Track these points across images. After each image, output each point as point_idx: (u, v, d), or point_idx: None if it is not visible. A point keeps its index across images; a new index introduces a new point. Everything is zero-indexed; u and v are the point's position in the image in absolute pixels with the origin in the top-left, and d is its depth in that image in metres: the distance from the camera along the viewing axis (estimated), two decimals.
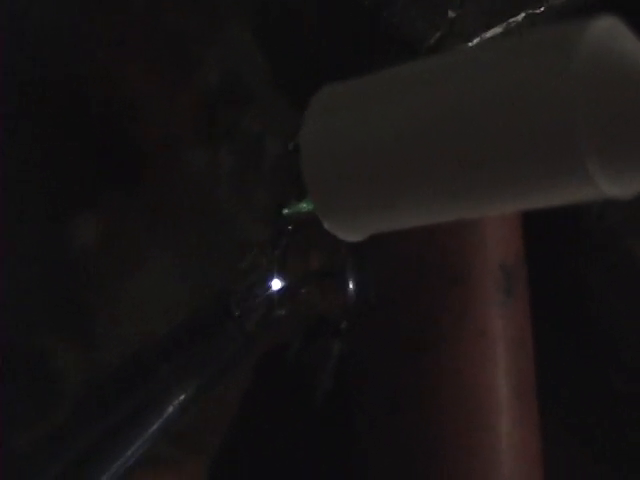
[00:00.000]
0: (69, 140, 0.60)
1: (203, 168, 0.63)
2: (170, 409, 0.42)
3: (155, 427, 0.41)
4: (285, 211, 0.35)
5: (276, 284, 0.43)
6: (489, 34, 0.41)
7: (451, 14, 0.41)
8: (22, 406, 0.52)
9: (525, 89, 0.26)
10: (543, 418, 0.40)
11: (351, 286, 0.41)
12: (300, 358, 0.48)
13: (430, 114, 0.28)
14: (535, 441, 0.39)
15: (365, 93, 0.31)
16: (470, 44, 0.41)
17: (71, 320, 0.59)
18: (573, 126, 0.25)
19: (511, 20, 0.41)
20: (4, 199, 0.55)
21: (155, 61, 0.63)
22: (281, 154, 0.34)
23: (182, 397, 0.42)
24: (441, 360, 0.38)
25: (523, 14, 0.42)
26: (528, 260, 0.39)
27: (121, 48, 0.62)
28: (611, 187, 0.25)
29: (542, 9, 0.42)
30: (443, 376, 0.37)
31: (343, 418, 0.44)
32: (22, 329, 0.56)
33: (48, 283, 0.58)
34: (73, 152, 0.60)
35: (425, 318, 0.38)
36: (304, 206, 0.34)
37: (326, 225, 0.32)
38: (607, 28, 0.26)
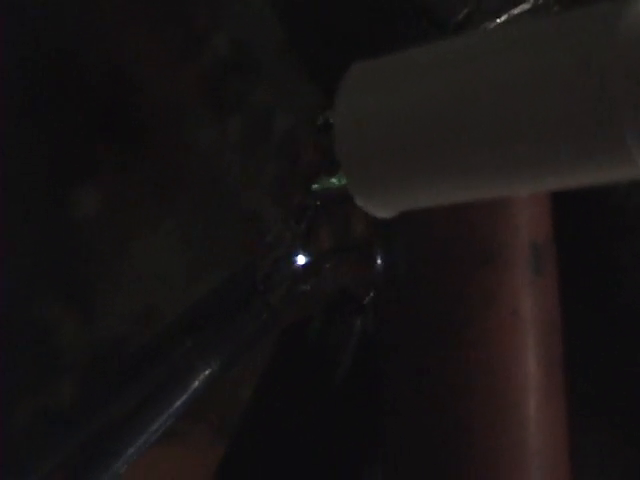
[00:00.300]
0: (73, 111, 0.59)
1: (210, 140, 0.63)
2: (195, 384, 0.42)
3: (180, 402, 0.41)
4: (315, 186, 0.35)
5: (301, 259, 0.43)
6: (517, 10, 0.41)
7: None
8: (24, 378, 0.52)
9: (566, 65, 0.26)
10: (571, 397, 0.40)
11: (379, 262, 0.41)
12: (322, 334, 0.48)
13: (466, 92, 0.28)
14: (562, 419, 0.39)
15: (397, 71, 0.31)
16: (498, 20, 0.41)
17: (73, 291, 0.59)
18: (615, 102, 0.25)
19: None
20: (5, 170, 0.55)
21: (161, 30, 0.63)
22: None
23: (207, 372, 0.42)
24: (470, 339, 0.37)
25: None
26: (557, 239, 0.39)
27: (125, 16, 0.62)
28: None
29: None
30: (472, 355, 0.37)
31: (364, 395, 0.44)
32: (24, 300, 0.56)
33: (50, 254, 0.58)
34: (77, 123, 0.59)
35: (455, 297, 0.38)
36: (334, 182, 0.34)
37: (358, 201, 0.32)
38: None
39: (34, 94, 0.58)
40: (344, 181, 0.31)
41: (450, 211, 0.31)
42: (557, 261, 0.39)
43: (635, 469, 0.50)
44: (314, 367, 0.48)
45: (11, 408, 0.49)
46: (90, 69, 0.61)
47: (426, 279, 0.38)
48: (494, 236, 0.37)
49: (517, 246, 0.37)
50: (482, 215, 0.37)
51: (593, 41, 0.26)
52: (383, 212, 0.32)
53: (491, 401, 0.37)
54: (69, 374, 0.57)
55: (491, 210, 0.37)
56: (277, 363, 0.50)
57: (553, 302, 0.39)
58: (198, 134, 0.64)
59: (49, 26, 0.60)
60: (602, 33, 0.25)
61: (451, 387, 0.38)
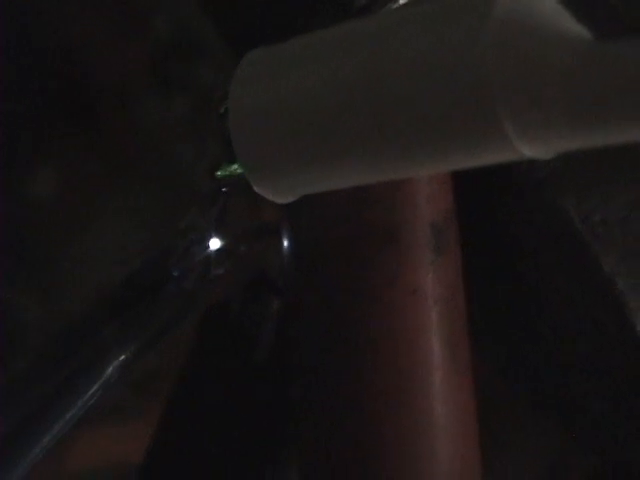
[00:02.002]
0: (26, 93, 0.59)
1: (156, 119, 0.63)
2: (109, 370, 0.42)
3: (95, 387, 0.42)
4: (218, 173, 0.35)
5: (214, 243, 0.44)
6: None
7: None
8: None
9: (441, 52, 0.26)
10: (478, 370, 0.41)
11: (285, 244, 0.42)
12: (241, 315, 0.49)
13: (352, 77, 0.29)
14: (467, 393, 0.40)
15: (291, 56, 0.31)
16: (401, 1, 0.41)
17: (30, 271, 0.60)
18: (488, 88, 0.25)
19: None
20: None
21: (105, 10, 0.63)
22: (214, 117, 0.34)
23: (122, 357, 0.42)
24: (374, 318, 0.38)
25: None
26: (459, 217, 0.40)
27: (71, 2, 0.62)
28: (528, 148, 0.26)
29: None
30: (376, 334, 0.38)
31: (282, 374, 0.45)
32: None
33: (5, 235, 0.58)
34: (30, 104, 0.59)
35: (357, 277, 0.38)
36: (235, 168, 0.34)
37: (255, 188, 0.32)
38: None
39: None
40: None
41: (350, 191, 0.32)
42: (459, 240, 0.40)
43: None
44: (234, 348, 0.49)
45: None
46: (40, 50, 0.61)
47: (329, 259, 0.39)
48: (394, 216, 0.38)
49: (417, 225, 0.38)
50: (381, 195, 0.38)
51: (468, 27, 0.26)
52: (281, 198, 0.33)
53: (396, 377, 0.38)
54: (27, 352, 0.57)
55: (390, 190, 0.38)
56: (200, 343, 0.50)
57: (454, 280, 0.39)
58: (146, 112, 0.64)
59: None
60: (476, 19, 0.26)
61: (356, 364, 0.38)
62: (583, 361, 0.43)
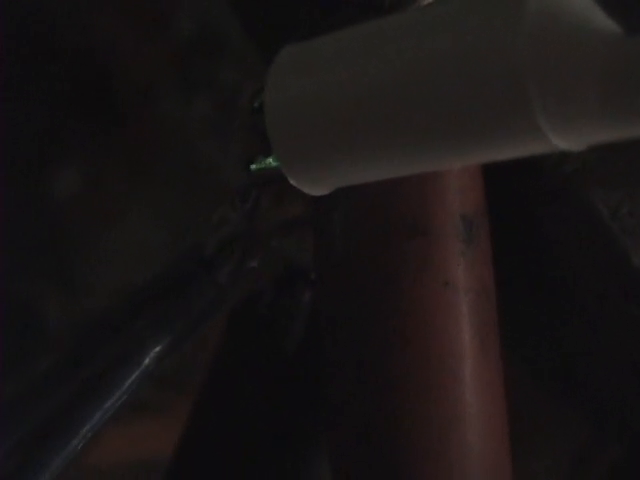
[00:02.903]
0: (51, 93, 0.60)
1: (181, 118, 0.64)
2: (146, 361, 0.43)
3: (132, 379, 0.43)
4: (253, 167, 0.36)
5: (247, 237, 0.45)
6: None
7: None
8: (7, 354, 0.52)
9: (477, 45, 0.27)
10: (508, 361, 0.41)
11: (319, 237, 0.43)
12: (272, 308, 0.49)
13: (387, 72, 0.29)
14: (498, 385, 0.40)
15: (326, 52, 0.32)
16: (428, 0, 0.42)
17: (54, 269, 0.60)
18: (523, 81, 0.26)
19: None
20: None
21: (129, 10, 0.64)
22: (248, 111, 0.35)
23: (157, 349, 0.43)
24: (405, 309, 0.39)
25: None
26: (491, 210, 0.40)
27: (96, 2, 0.62)
28: (561, 140, 0.27)
29: None
30: (407, 325, 0.39)
31: (314, 366, 0.46)
32: (5, 279, 0.57)
33: (31, 233, 0.59)
34: (54, 104, 0.60)
35: (388, 269, 0.39)
36: (270, 162, 0.35)
37: (291, 180, 0.33)
38: None
39: (9, 74, 0.59)
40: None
41: (381, 184, 0.32)
42: (489, 231, 0.40)
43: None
44: (266, 340, 0.50)
45: None
46: (64, 50, 0.61)
47: (360, 251, 0.40)
48: (425, 208, 0.38)
49: (447, 218, 0.39)
50: (412, 187, 0.39)
51: (504, 21, 0.27)
52: (316, 190, 0.33)
53: (426, 368, 0.38)
54: (51, 348, 0.58)
55: (421, 182, 0.38)
56: (231, 336, 0.51)
57: (485, 271, 0.40)
58: (170, 112, 0.64)
59: (23, 10, 0.60)
60: (512, 13, 0.27)
61: (387, 355, 0.39)
62: (614, 354, 0.44)
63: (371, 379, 0.39)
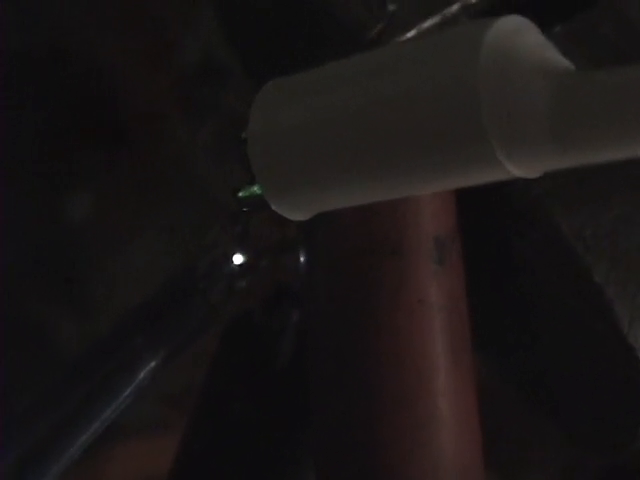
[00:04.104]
0: (60, 117, 0.62)
1: (185, 145, 0.66)
2: (141, 374, 0.45)
3: (127, 392, 0.45)
4: (240, 194, 0.38)
5: (237, 258, 0.47)
6: (427, 24, 0.45)
7: (391, 7, 0.44)
8: (19, 375, 0.54)
9: (436, 82, 0.29)
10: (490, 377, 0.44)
11: (302, 259, 0.45)
12: (262, 325, 0.52)
13: (358, 105, 0.32)
14: (470, 395, 0.43)
15: (306, 86, 0.34)
16: (408, 35, 0.44)
17: (66, 291, 0.62)
18: (479, 115, 0.28)
19: (446, 10, 0.45)
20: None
21: (135, 36, 0.66)
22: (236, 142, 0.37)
23: (152, 364, 0.46)
24: (381, 326, 0.41)
25: (458, 4, 0.45)
26: (463, 230, 0.43)
27: (103, 31, 0.64)
28: (517, 169, 0.29)
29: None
30: (384, 340, 0.41)
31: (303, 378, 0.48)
32: (18, 300, 0.59)
33: (43, 256, 0.61)
34: (63, 128, 0.62)
35: (366, 287, 0.41)
36: (255, 190, 0.37)
37: (272, 206, 0.35)
38: (513, 25, 0.29)
39: (20, 100, 0.61)
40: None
41: (358, 207, 0.35)
42: (461, 252, 0.43)
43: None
44: (256, 357, 0.52)
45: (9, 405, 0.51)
46: (72, 75, 0.63)
47: (339, 270, 0.42)
48: (400, 231, 0.41)
49: (421, 240, 0.41)
50: (388, 211, 0.41)
51: (461, 59, 0.29)
52: (296, 216, 0.36)
53: (402, 379, 0.41)
54: (62, 369, 0.59)
55: (396, 206, 0.41)
56: (224, 352, 0.53)
57: (458, 290, 0.42)
58: (175, 139, 0.66)
59: (31, 37, 0.62)
60: (468, 51, 0.29)
61: (367, 367, 0.41)
62: (577, 366, 0.46)
63: (350, 390, 0.42)
